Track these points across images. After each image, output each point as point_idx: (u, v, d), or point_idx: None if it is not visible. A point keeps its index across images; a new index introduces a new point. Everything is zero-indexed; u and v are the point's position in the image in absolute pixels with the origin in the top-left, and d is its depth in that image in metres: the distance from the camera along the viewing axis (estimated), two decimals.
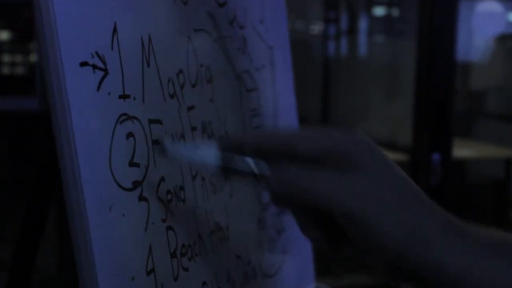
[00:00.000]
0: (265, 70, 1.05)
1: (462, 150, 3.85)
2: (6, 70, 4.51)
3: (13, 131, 4.54)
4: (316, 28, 5.52)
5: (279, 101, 1.11)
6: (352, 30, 5.14)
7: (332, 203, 0.49)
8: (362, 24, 5.15)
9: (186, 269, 0.68)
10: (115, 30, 0.57)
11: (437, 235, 0.49)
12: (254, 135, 0.54)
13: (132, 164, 0.58)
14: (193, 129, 0.75)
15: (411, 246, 0.48)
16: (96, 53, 0.54)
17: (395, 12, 5.19)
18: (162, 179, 0.64)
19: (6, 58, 4.51)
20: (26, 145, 3.93)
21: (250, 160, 0.52)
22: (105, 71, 0.55)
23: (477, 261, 0.49)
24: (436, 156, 2.83)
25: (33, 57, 4.51)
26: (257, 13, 1.03)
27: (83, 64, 0.52)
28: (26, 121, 4.01)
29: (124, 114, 0.58)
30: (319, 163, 0.50)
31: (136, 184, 0.59)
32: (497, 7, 4.83)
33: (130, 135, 0.58)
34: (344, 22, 5.24)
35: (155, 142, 0.60)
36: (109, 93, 0.55)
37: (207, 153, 0.55)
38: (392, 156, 3.97)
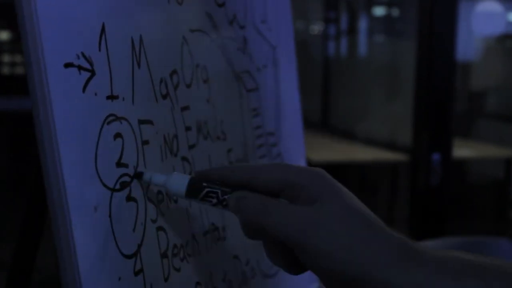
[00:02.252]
0: (267, 70, 1.04)
1: (462, 150, 3.85)
2: (6, 70, 4.51)
3: (13, 131, 4.54)
4: (316, 28, 5.52)
5: (282, 100, 1.10)
6: (352, 30, 5.14)
7: (278, 229, 0.54)
8: (362, 24, 5.15)
9: (177, 270, 0.67)
10: (103, 31, 0.57)
11: (385, 256, 0.52)
12: (220, 168, 0.62)
13: (120, 164, 0.58)
14: (187, 129, 0.75)
15: (359, 268, 0.52)
16: (82, 54, 0.53)
17: (395, 12, 5.19)
18: None
19: (6, 58, 4.51)
20: (26, 145, 3.92)
21: (217, 188, 0.58)
22: (92, 72, 0.55)
23: (427, 280, 0.51)
24: (436, 156, 2.83)
25: None
26: (259, 13, 1.02)
27: (68, 65, 0.52)
28: (26, 121, 4.01)
29: (112, 114, 0.57)
30: (277, 194, 0.56)
31: (125, 185, 0.59)
32: (497, 7, 4.83)
33: (118, 135, 0.58)
34: (344, 22, 5.24)
35: (138, 175, 0.60)
36: (95, 94, 0.55)
37: (179, 181, 0.59)
38: (392, 156, 3.97)
